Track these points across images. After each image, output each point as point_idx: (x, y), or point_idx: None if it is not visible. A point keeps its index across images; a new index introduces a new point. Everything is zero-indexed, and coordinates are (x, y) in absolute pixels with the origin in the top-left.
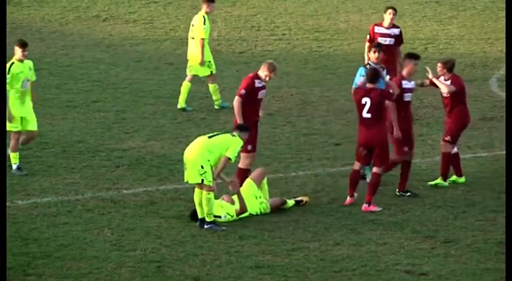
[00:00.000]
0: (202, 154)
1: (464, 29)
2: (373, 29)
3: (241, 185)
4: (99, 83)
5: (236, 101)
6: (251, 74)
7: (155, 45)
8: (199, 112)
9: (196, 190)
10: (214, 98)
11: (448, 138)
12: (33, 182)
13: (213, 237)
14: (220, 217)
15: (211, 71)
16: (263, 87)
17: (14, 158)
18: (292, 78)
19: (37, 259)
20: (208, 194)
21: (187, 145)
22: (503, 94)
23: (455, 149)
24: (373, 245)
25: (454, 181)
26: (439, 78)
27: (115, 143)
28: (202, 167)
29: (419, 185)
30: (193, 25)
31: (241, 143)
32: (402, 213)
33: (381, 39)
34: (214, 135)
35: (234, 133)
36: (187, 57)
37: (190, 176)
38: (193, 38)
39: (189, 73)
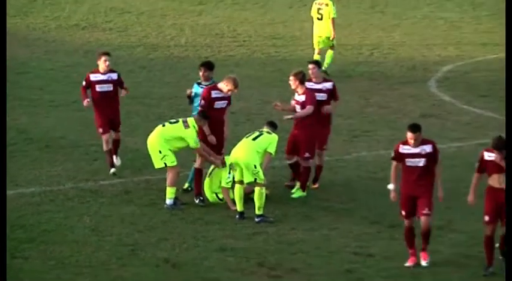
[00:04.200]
0: (253, 155)
1: (406, 36)
2: (398, 149)
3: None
4: (79, 85)
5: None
6: (209, 86)
7: (129, 51)
8: (170, 111)
9: (239, 187)
10: (327, 61)
11: (307, 155)
12: (19, 174)
13: (181, 223)
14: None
15: (332, 43)
16: (221, 99)
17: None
18: (252, 80)
19: (23, 243)
20: (261, 189)
21: None
22: (441, 94)
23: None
24: (325, 229)
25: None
26: (295, 95)
27: (93, 139)
28: (255, 166)
29: (367, 176)
30: (321, 8)
31: (277, 138)
32: (351, 201)
33: (409, 161)
34: (257, 136)
35: (269, 130)
36: (316, 34)
37: (245, 175)
38: (319, 19)
39: (317, 47)
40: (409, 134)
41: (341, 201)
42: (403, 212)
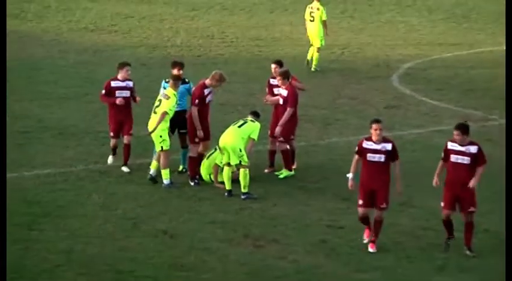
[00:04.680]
0: (238, 140)
1: (371, 38)
2: (362, 144)
3: (197, 168)
4: (88, 80)
5: (193, 110)
6: (200, 84)
7: (132, 51)
8: None
9: (227, 168)
10: (314, 63)
11: (281, 139)
12: (36, 158)
13: (178, 199)
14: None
15: (321, 44)
16: (210, 92)
17: (165, 174)
18: (238, 75)
19: (40, 217)
20: (245, 170)
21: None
22: (403, 88)
23: (287, 146)
24: (302, 205)
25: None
26: (280, 89)
27: (101, 127)
28: (240, 150)
29: (338, 158)
30: (313, 12)
31: (259, 126)
32: (324, 181)
33: (370, 156)
34: (242, 124)
35: (252, 119)
36: (308, 34)
37: (232, 158)
38: (311, 21)
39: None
40: (375, 125)
41: (315, 181)
42: (360, 202)
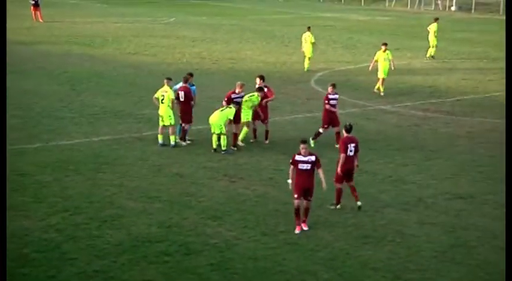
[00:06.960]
0: (220, 119)
1: (299, 58)
2: (294, 157)
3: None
4: (131, 84)
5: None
6: (231, 91)
7: (156, 66)
8: None
9: (214, 135)
10: (306, 67)
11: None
12: (100, 129)
13: (184, 154)
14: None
15: (311, 56)
16: (239, 97)
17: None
18: (220, 81)
19: (102, 165)
20: (224, 136)
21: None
22: (317, 87)
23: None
24: (259, 157)
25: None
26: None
27: (139, 111)
28: (221, 125)
29: (281, 129)
30: (305, 38)
31: (234, 110)
32: (272, 143)
33: (300, 165)
34: (223, 109)
35: (230, 106)
36: (303, 50)
37: (216, 130)
38: (305, 43)
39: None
40: (302, 145)
41: (267, 143)
42: (296, 196)
